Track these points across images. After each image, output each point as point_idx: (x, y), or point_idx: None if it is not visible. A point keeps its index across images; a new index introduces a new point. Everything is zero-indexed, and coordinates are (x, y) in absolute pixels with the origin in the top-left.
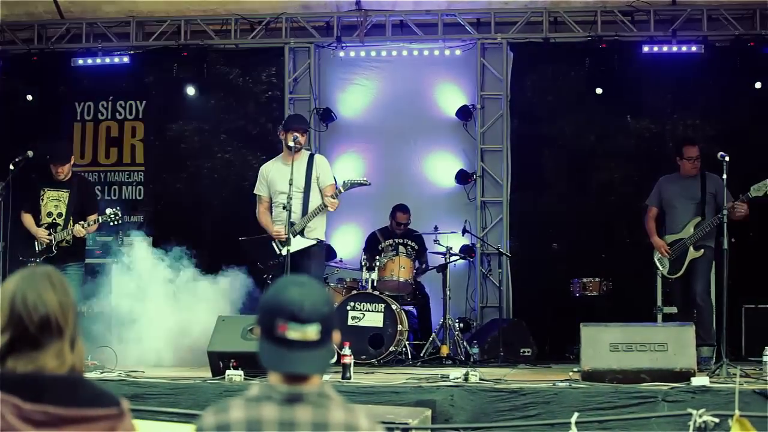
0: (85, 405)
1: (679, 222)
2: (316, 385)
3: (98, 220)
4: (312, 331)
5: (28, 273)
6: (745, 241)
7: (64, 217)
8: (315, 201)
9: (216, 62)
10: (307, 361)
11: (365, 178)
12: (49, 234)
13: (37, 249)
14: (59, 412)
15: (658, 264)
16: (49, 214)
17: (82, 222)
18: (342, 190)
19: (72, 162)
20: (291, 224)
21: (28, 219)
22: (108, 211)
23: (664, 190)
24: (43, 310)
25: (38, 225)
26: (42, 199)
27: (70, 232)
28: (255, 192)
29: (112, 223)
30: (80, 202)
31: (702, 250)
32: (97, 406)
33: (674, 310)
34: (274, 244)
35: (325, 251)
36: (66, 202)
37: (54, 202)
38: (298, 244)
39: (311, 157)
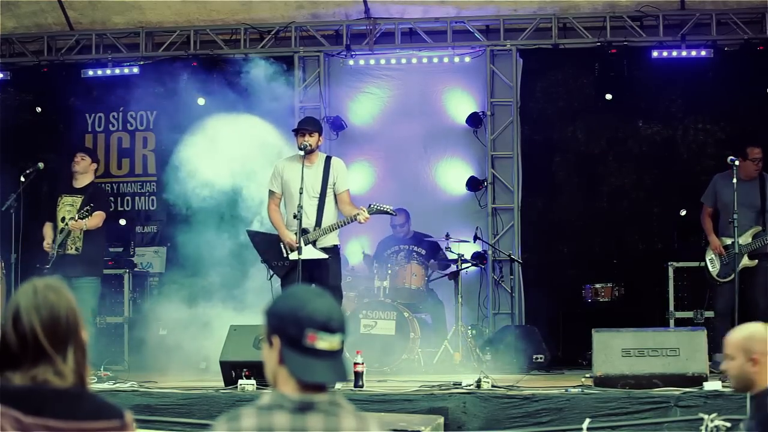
0: (86, 418)
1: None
2: (327, 393)
3: (84, 214)
4: (338, 341)
5: (29, 286)
6: None
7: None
8: (330, 206)
9: (225, 72)
10: (333, 370)
11: (392, 208)
12: (53, 242)
13: (49, 256)
14: (59, 426)
15: (709, 263)
16: (63, 219)
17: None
18: (368, 213)
19: (94, 165)
20: (304, 231)
21: (46, 229)
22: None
23: (721, 192)
24: (40, 323)
25: (56, 231)
26: (58, 205)
27: (66, 229)
28: (268, 187)
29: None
30: (91, 204)
31: (756, 260)
32: (99, 418)
33: (689, 314)
34: (282, 246)
35: (341, 257)
36: (78, 206)
37: (67, 207)
38: (309, 253)
39: (328, 160)
